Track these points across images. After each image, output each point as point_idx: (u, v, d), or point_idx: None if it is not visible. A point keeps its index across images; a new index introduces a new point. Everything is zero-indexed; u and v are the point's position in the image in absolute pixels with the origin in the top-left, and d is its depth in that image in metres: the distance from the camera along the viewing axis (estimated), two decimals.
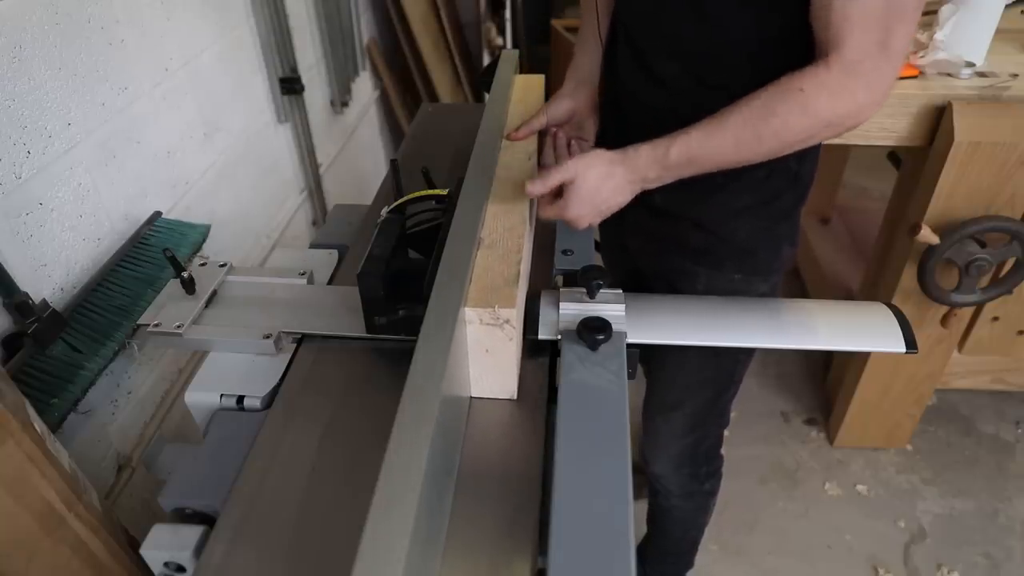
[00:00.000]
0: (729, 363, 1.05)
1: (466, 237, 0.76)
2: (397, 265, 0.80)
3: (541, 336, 0.79)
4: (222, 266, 0.91)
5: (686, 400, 1.10)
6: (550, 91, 1.08)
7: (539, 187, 0.78)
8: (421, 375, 0.58)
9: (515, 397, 0.75)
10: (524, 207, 0.84)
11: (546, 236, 0.98)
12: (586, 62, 1.00)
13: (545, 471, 0.67)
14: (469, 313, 0.69)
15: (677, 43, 0.83)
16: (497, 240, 0.79)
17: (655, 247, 0.99)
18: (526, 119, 0.98)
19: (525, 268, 0.79)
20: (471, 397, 0.76)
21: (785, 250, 0.96)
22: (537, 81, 1.20)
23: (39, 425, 0.73)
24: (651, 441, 1.20)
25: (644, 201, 0.96)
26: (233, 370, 0.80)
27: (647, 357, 1.09)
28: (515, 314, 0.69)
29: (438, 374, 0.58)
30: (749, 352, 1.07)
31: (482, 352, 0.72)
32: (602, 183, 0.78)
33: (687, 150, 0.75)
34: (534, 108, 1.03)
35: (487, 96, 1.16)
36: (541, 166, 1.00)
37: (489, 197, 0.86)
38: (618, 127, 0.97)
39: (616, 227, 1.01)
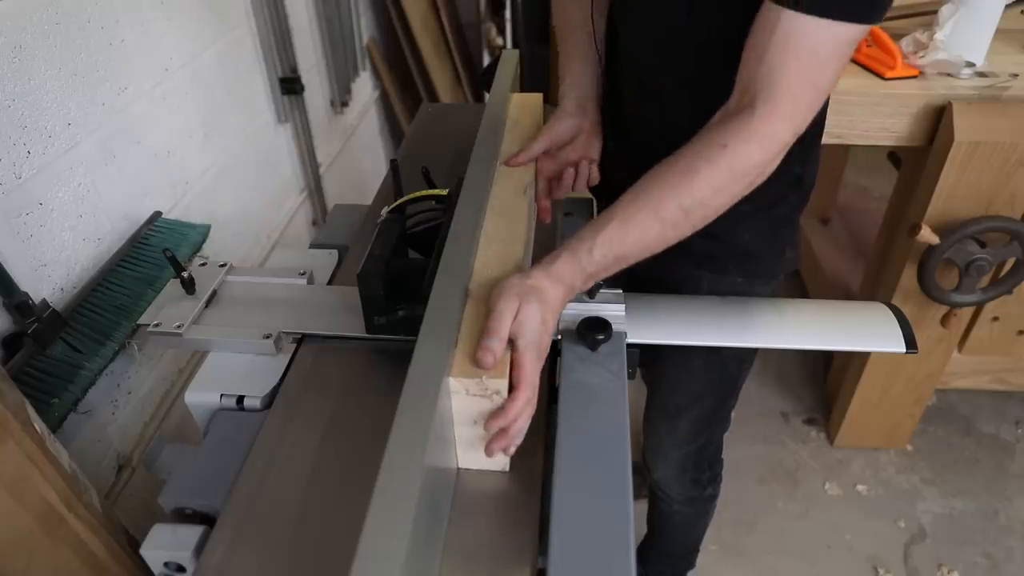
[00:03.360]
0: (733, 369, 1.05)
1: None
2: (397, 265, 0.80)
3: None
4: (222, 266, 0.91)
5: (690, 406, 1.09)
6: (552, 94, 1.03)
7: (490, 359, 0.63)
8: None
9: (507, 469, 0.68)
10: (517, 255, 0.76)
11: (546, 236, 0.98)
12: (586, 78, 0.92)
13: (545, 471, 0.67)
14: (453, 383, 0.62)
15: (675, 58, 0.81)
16: (486, 294, 0.70)
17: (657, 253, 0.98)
18: (525, 142, 0.92)
19: None
20: (458, 468, 0.69)
21: (787, 253, 0.96)
22: (534, 100, 1.10)
23: (39, 425, 0.73)
24: (653, 448, 1.19)
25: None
26: (233, 370, 0.80)
27: (649, 363, 1.07)
28: (506, 384, 0.62)
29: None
30: (752, 356, 1.06)
31: (469, 423, 0.64)
32: (546, 315, 0.67)
33: (609, 250, 0.69)
34: (532, 129, 0.97)
35: (487, 96, 1.16)
36: (540, 196, 0.93)
37: (478, 241, 0.77)
38: (618, 145, 0.96)
39: None
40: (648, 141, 0.90)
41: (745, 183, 0.69)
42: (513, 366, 0.64)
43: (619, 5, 0.87)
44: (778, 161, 0.69)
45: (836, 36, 0.64)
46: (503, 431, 0.63)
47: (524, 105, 1.07)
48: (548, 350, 0.68)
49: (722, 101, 0.71)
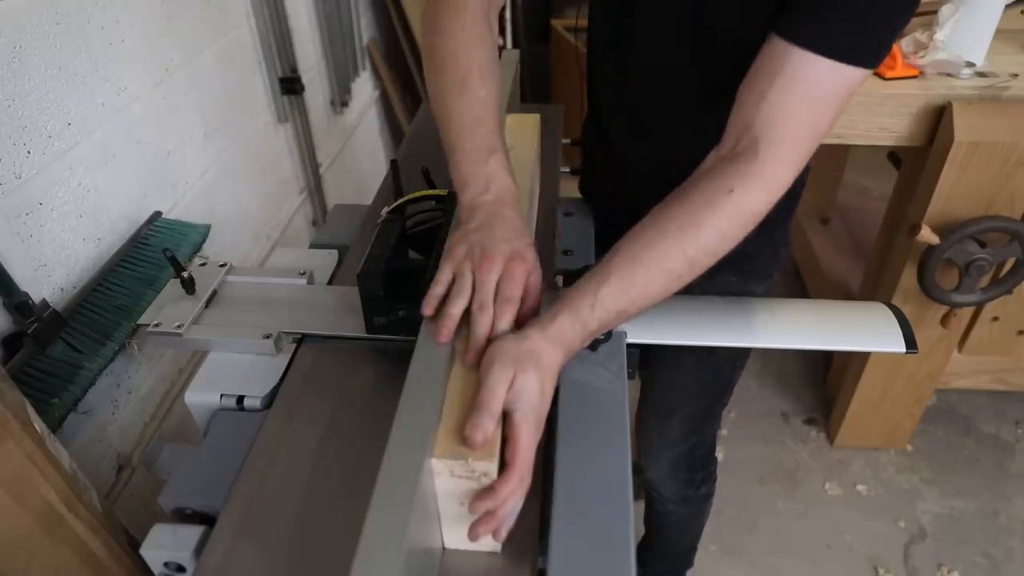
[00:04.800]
0: (726, 369, 1.05)
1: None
2: (397, 265, 0.80)
3: None
4: (222, 266, 0.91)
5: (682, 406, 1.09)
6: (552, 94, 0.99)
7: (480, 437, 0.55)
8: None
9: (499, 550, 0.61)
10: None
11: (546, 235, 0.98)
12: (502, 173, 0.71)
13: (545, 471, 0.67)
14: (436, 465, 0.55)
15: (678, 84, 0.79)
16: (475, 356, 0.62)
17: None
18: (517, 174, 0.73)
19: None
20: (443, 548, 0.62)
21: (781, 252, 0.96)
22: (530, 123, 0.95)
23: (39, 425, 0.73)
24: (645, 448, 1.19)
25: (640, 212, 0.95)
26: (233, 370, 0.80)
27: (642, 363, 1.07)
28: (496, 466, 0.55)
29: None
30: (745, 357, 1.06)
31: (455, 502, 0.58)
32: (544, 382, 0.60)
33: (612, 305, 0.64)
34: (527, 159, 0.85)
35: None
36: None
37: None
38: (613, 174, 0.95)
39: (611, 237, 1.00)
40: (637, 164, 0.89)
41: (749, 227, 0.67)
42: (507, 440, 0.57)
43: (616, 29, 0.83)
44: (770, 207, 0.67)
45: (843, 79, 0.63)
46: (491, 513, 0.55)
47: (519, 129, 0.93)
48: (545, 421, 0.60)
49: (718, 127, 0.69)
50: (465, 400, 0.59)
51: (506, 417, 0.58)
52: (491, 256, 0.64)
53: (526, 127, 0.96)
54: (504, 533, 0.57)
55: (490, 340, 0.62)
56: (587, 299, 0.64)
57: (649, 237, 0.66)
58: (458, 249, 0.66)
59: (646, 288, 0.65)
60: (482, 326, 0.62)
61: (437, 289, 0.65)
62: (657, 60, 0.79)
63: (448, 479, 0.56)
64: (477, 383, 0.59)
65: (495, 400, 0.56)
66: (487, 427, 0.55)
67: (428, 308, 0.65)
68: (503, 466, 0.56)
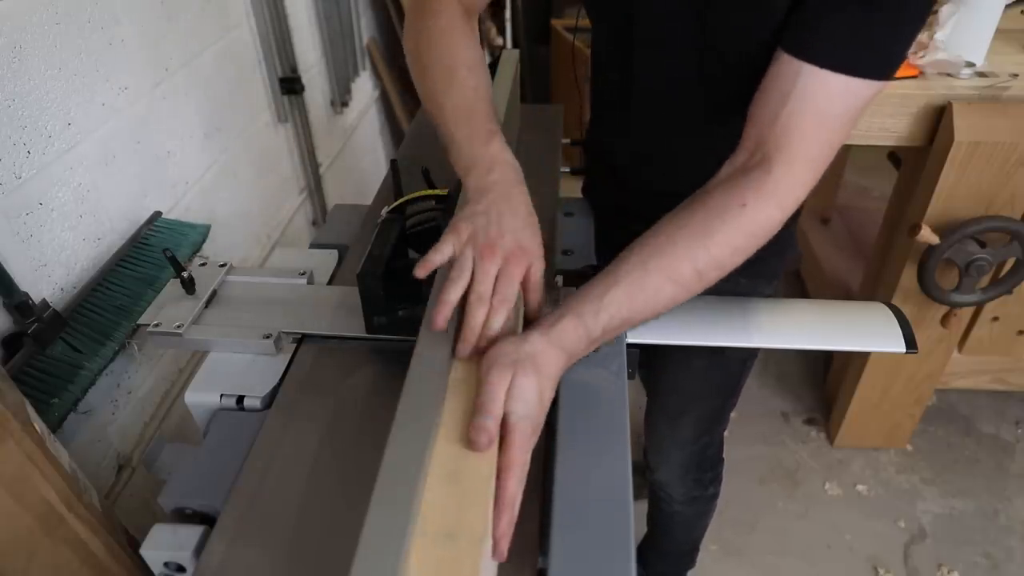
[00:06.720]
0: (735, 369, 1.05)
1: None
2: (397, 265, 0.80)
3: None
4: (222, 266, 0.91)
5: (692, 407, 1.09)
6: (552, 94, 1.00)
7: (485, 439, 0.53)
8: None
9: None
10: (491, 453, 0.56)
11: (546, 235, 0.98)
12: (505, 154, 0.71)
13: (545, 471, 0.67)
14: None
15: (683, 105, 0.79)
16: (457, 531, 0.50)
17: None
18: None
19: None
20: None
21: (788, 252, 0.96)
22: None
23: (39, 425, 0.73)
24: (655, 449, 1.19)
25: (646, 212, 0.95)
26: (233, 370, 0.80)
27: (650, 365, 1.07)
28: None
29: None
30: (754, 356, 1.06)
31: None
32: (543, 387, 0.58)
33: (616, 312, 0.63)
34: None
35: None
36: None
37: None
38: (615, 188, 0.95)
39: (615, 238, 1.00)
40: (639, 184, 0.89)
41: (760, 242, 0.66)
42: (502, 444, 0.55)
43: (617, 53, 0.82)
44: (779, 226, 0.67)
45: (855, 94, 0.62)
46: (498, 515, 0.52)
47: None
48: (541, 427, 0.59)
49: (721, 147, 0.69)
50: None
51: (502, 421, 0.56)
52: (493, 247, 0.63)
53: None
54: (505, 547, 0.53)
55: (484, 337, 0.61)
56: (591, 305, 0.63)
57: (659, 244, 0.65)
58: (463, 228, 0.65)
59: (653, 297, 0.64)
60: (476, 319, 0.61)
61: (436, 257, 0.64)
62: (660, 85, 0.79)
63: None
64: (478, 390, 0.57)
65: (495, 403, 0.55)
66: (490, 429, 0.54)
67: (422, 270, 0.64)
68: (499, 472, 0.54)
